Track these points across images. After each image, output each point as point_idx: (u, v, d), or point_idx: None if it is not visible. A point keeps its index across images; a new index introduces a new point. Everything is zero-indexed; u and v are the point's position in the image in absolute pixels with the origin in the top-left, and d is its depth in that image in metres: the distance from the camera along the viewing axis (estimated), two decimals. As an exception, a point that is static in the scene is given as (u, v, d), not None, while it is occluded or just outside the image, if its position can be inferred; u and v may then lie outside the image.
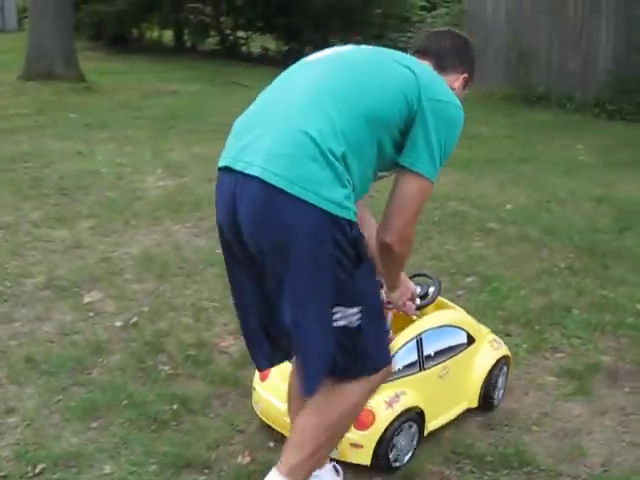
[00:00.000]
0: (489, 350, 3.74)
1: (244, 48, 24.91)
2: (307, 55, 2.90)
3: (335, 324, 2.53)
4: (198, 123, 11.24)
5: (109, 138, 10.20)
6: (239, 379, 3.99)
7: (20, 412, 3.63)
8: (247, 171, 2.48)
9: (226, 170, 2.58)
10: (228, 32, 25.28)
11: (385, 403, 3.21)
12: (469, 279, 5.49)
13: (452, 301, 3.94)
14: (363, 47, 2.95)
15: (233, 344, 4.41)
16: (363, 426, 3.15)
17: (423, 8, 25.70)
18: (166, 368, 4.10)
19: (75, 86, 15.02)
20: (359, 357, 2.61)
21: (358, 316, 2.55)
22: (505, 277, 5.52)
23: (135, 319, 4.68)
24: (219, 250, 5.41)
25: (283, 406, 3.24)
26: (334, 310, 2.52)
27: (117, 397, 3.75)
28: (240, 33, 25.30)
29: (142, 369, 4.09)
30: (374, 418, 3.17)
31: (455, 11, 21.02)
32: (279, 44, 23.81)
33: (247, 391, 3.79)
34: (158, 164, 8.71)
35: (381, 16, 22.68)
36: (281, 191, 2.41)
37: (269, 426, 3.48)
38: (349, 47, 2.93)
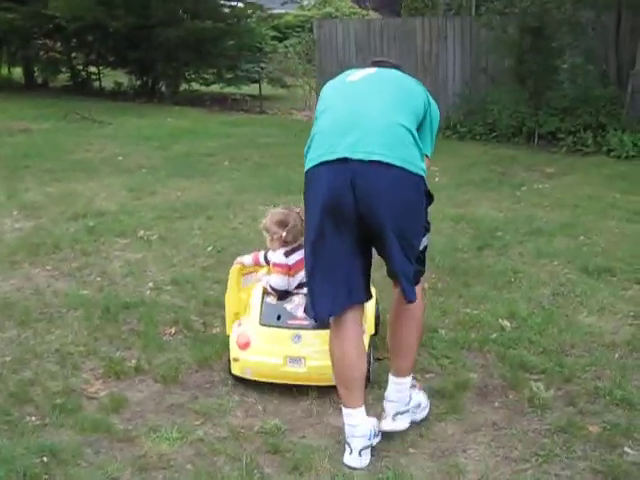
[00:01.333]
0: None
1: (96, 83, 24.50)
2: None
3: (421, 247, 3.68)
4: (53, 162, 10.95)
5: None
6: (110, 425, 3.85)
7: None
8: (369, 157, 3.35)
9: (336, 162, 3.38)
10: (80, 67, 24.84)
11: None
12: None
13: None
14: (383, 70, 3.85)
15: (101, 389, 4.27)
16: None
17: (274, 38, 25.94)
18: (33, 419, 3.93)
19: None
20: (424, 266, 3.86)
21: (426, 237, 3.74)
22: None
23: (-3, 370, 4.48)
24: (83, 291, 5.21)
25: (276, 360, 4.18)
26: (423, 239, 3.68)
27: (-18, 454, 3.56)
28: (92, 68, 24.89)
29: (8, 422, 3.90)
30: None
31: (306, 40, 21.27)
32: (132, 79, 23.52)
33: (120, 436, 3.67)
34: (13, 205, 8.41)
35: (234, 47, 22.71)
36: (395, 167, 3.37)
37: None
38: (375, 69, 3.83)
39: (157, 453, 3.63)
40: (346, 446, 3.61)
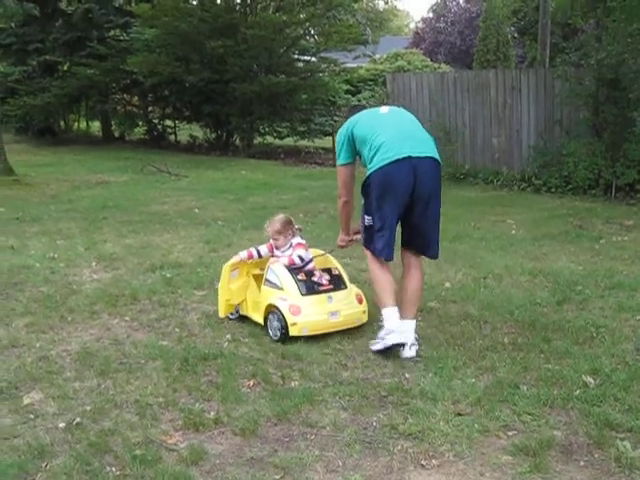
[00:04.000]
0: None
1: (172, 137, 24.96)
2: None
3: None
4: (130, 214, 11.16)
5: (41, 232, 10.06)
6: (191, 477, 3.84)
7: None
8: (424, 155, 5.62)
9: (405, 159, 5.52)
10: (156, 121, 25.35)
11: None
12: (414, 361, 5.44)
13: (400, 382, 4.48)
14: (392, 107, 6.22)
15: (181, 440, 4.27)
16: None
17: (347, 92, 26.18)
18: (114, 469, 3.94)
19: (3, 180, 14.86)
20: None
21: None
22: (450, 356, 5.47)
23: (78, 419, 4.51)
24: (162, 342, 5.25)
25: (322, 316, 5.87)
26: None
27: (64, 504, 3.58)
28: (168, 122, 25.37)
29: (88, 472, 3.92)
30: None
31: (379, 93, 21.41)
32: (207, 132, 23.92)
33: (199, 490, 3.66)
34: (92, 257, 8.57)
35: (307, 101, 22.95)
36: (436, 160, 5.68)
37: None
38: (396, 107, 6.22)
39: (237, 507, 3.60)
40: (392, 333, 5.47)
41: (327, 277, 6.13)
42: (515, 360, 5.37)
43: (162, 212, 11.52)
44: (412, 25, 71.96)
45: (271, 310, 5.91)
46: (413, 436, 4.26)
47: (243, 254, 6.37)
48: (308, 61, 24.28)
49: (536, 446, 4.16)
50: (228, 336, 5.91)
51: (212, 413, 4.58)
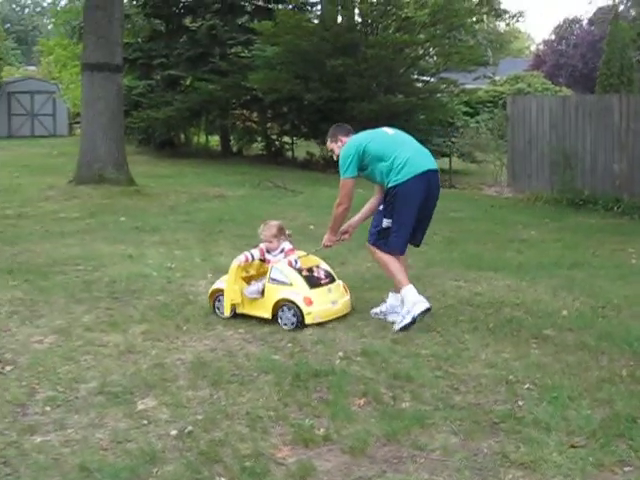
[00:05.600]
0: None
1: (289, 153, 25.20)
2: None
3: None
4: (246, 228, 11.28)
5: (159, 242, 10.30)
6: (298, 493, 3.85)
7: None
8: (434, 167, 6.82)
9: (425, 172, 6.67)
10: (274, 137, 25.64)
11: None
12: (528, 388, 5.33)
13: (513, 409, 4.58)
14: (392, 128, 7.19)
15: (290, 455, 4.29)
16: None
17: (466, 113, 25.98)
18: (223, 479, 3.98)
19: (125, 190, 15.27)
20: None
21: None
22: (565, 386, 5.34)
23: (190, 428, 4.57)
24: (274, 356, 5.29)
25: (328, 305, 6.80)
26: None
27: (174, 510, 3.62)
28: (285, 138, 25.62)
29: (197, 479, 3.97)
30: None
31: (498, 115, 21.18)
32: (324, 149, 24.07)
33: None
34: (208, 268, 8.72)
35: (425, 122, 22.87)
36: (438, 171, 6.93)
37: None
38: (390, 128, 7.17)
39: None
40: (419, 302, 6.62)
41: (322, 272, 7.04)
42: (633, 393, 5.21)
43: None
44: (533, 47, 71.07)
45: (283, 304, 6.66)
46: (525, 465, 4.17)
47: (241, 258, 7.04)
48: (427, 81, 24.23)
49: (654, 484, 4.03)
50: (340, 353, 5.91)
51: (322, 430, 4.58)
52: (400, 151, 6.74)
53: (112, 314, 6.92)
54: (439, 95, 23.98)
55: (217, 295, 7.01)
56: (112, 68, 16.29)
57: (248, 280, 7.09)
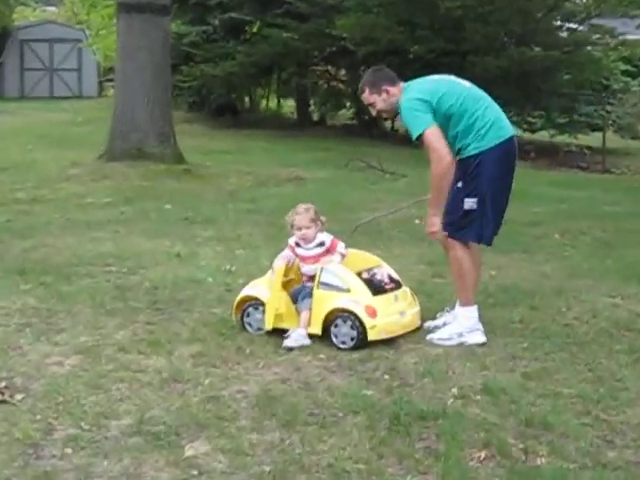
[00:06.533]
0: None
1: (388, 123, 25.17)
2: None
3: None
4: (329, 220, 11.14)
5: (215, 237, 10.40)
6: None
7: None
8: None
9: (513, 136, 6.86)
10: (367, 103, 25.57)
11: None
12: None
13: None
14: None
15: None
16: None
17: (626, 73, 25.59)
18: None
19: (172, 169, 15.42)
20: None
21: None
22: None
23: (254, 482, 4.61)
24: (366, 391, 5.28)
25: (396, 317, 6.87)
26: None
27: None
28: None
29: None
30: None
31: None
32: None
33: None
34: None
35: (570, 84, 22.62)
36: None
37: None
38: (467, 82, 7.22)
39: None
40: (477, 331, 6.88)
41: (386, 275, 7.13)
42: None
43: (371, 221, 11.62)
44: None
45: (338, 315, 6.72)
46: None
47: (287, 254, 7.26)
48: (574, 30, 23.94)
49: None
50: (454, 390, 5.87)
51: (429, 491, 4.58)
52: (484, 109, 6.82)
53: (153, 330, 7.02)
54: (590, 48, 23.66)
55: (248, 305, 7.09)
56: (157, 9, 16.47)
57: (286, 286, 7.17)
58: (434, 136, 6.69)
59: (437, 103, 6.75)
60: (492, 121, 6.74)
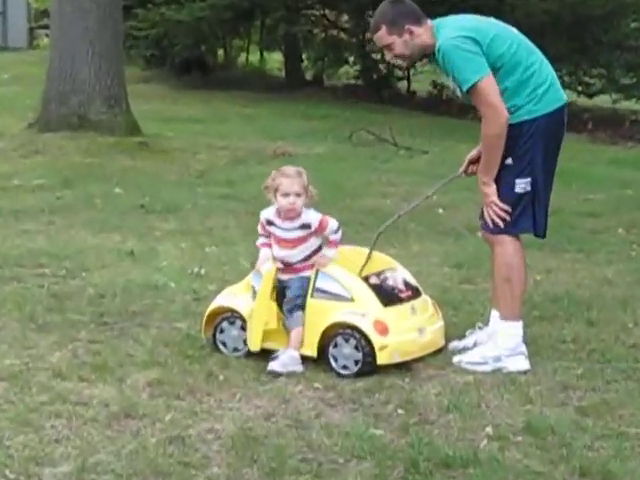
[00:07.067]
0: None
1: (402, 84, 25.20)
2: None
3: None
4: (327, 208, 11.27)
5: (179, 231, 10.43)
6: None
7: None
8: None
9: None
10: (376, 57, 25.60)
11: None
12: None
13: None
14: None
15: None
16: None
17: None
18: None
19: (123, 141, 15.43)
20: None
21: None
22: None
23: None
24: (374, 430, 5.34)
25: (413, 335, 6.79)
26: None
27: None
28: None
29: None
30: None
31: None
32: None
33: None
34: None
35: (638, 35, 22.66)
36: None
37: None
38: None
39: None
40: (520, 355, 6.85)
41: (401, 280, 7.15)
42: None
43: (382, 210, 11.65)
44: None
45: (338, 332, 6.67)
46: None
47: (270, 264, 7.04)
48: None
49: None
50: (488, 429, 5.88)
51: None
52: (539, 63, 6.87)
53: (99, 351, 7.02)
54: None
55: (222, 319, 7.03)
56: None
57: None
58: (491, 88, 6.59)
59: (487, 47, 6.61)
60: (550, 80, 6.75)
